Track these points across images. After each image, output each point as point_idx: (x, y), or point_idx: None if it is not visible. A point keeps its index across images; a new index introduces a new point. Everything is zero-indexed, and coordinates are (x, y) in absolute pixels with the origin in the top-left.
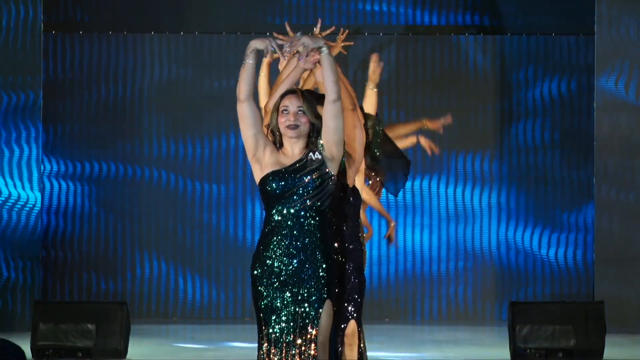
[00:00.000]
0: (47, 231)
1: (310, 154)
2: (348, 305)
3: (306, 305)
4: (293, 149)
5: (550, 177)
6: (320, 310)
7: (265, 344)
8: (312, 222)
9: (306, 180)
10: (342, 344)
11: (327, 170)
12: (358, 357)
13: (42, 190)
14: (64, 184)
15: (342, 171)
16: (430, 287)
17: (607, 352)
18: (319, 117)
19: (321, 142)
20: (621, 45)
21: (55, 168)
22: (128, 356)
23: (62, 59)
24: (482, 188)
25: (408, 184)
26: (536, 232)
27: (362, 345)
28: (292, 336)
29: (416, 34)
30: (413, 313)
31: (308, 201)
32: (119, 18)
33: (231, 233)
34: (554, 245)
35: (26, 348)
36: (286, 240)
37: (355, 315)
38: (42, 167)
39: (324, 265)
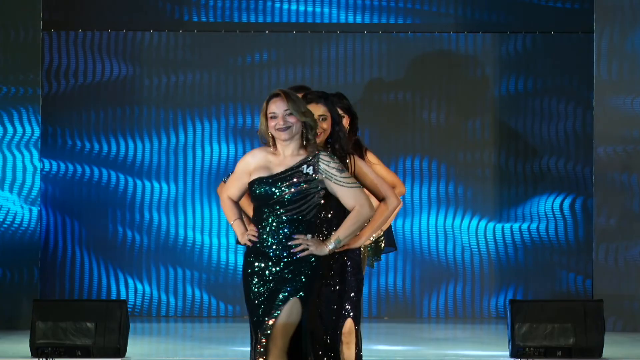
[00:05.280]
0: (46, 230)
1: (304, 166)
2: (345, 304)
3: (279, 297)
4: (284, 152)
5: (550, 173)
6: (283, 305)
7: (254, 335)
8: (297, 229)
9: (291, 191)
10: (340, 342)
11: (315, 186)
12: (355, 355)
13: (40, 190)
14: (62, 184)
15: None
16: (429, 285)
17: (606, 350)
18: (307, 115)
19: (323, 162)
20: (621, 44)
21: (54, 168)
22: (127, 354)
23: (60, 57)
24: (483, 185)
25: (415, 183)
26: (537, 229)
27: (359, 343)
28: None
29: (415, 32)
30: (412, 311)
31: (292, 210)
32: (118, 16)
33: (232, 231)
34: (553, 242)
35: (25, 346)
36: (272, 244)
37: (352, 313)
38: (39, 167)
39: (305, 269)
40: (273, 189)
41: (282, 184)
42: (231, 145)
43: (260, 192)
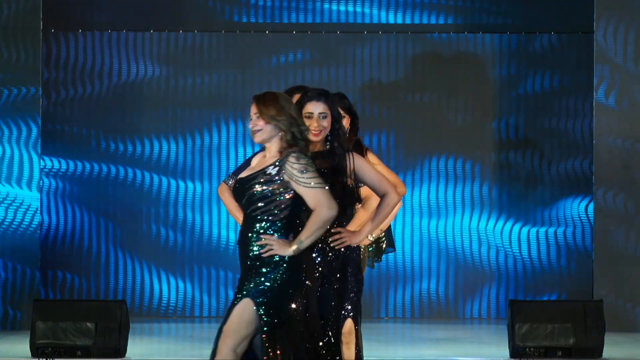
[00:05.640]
0: (47, 230)
1: (270, 167)
2: (345, 303)
3: (238, 295)
4: (268, 153)
5: (549, 175)
6: (237, 303)
7: None
8: (263, 229)
9: (254, 189)
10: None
11: (281, 187)
12: (355, 356)
13: (40, 189)
14: (62, 183)
15: (343, 170)
16: (429, 285)
17: (606, 350)
18: (277, 118)
19: (288, 163)
20: (620, 44)
21: (54, 167)
22: (127, 355)
23: (59, 57)
24: (482, 186)
25: (413, 184)
26: (536, 230)
27: (359, 343)
28: None
29: (415, 32)
30: (412, 311)
31: (257, 210)
32: (118, 16)
33: (232, 231)
34: (552, 243)
35: (25, 347)
36: (247, 244)
37: (352, 313)
38: (40, 165)
39: (273, 274)
40: (242, 189)
41: (248, 184)
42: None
43: (237, 190)
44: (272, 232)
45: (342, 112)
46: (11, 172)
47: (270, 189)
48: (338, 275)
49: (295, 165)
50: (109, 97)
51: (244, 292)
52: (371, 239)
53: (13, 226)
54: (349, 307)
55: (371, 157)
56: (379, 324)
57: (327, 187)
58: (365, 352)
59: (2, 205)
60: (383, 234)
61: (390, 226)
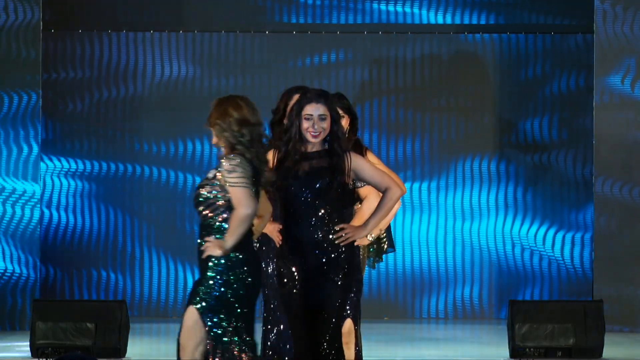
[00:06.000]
0: (47, 230)
1: (212, 170)
2: (344, 304)
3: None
4: None
5: (551, 175)
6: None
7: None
8: (207, 232)
9: (197, 192)
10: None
11: (219, 190)
12: (355, 356)
13: (41, 189)
14: (64, 182)
15: (341, 170)
16: (429, 285)
17: (606, 350)
18: (214, 123)
19: (221, 165)
20: (621, 43)
21: (55, 166)
22: (127, 355)
23: (62, 57)
24: (481, 187)
25: (408, 184)
26: (535, 230)
27: (359, 343)
28: None
29: (416, 33)
30: (412, 311)
31: (200, 214)
32: (118, 16)
33: None
34: (553, 243)
35: (25, 347)
36: (197, 248)
37: (351, 313)
38: (41, 165)
39: (203, 275)
40: (193, 193)
41: (199, 184)
42: None
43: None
44: (218, 235)
45: (341, 112)
46: (13, 171)
47: (211, 192)
48: (343, 272)
49: (225, 166)
50: (111, 97)
51: (189, 299)
52: (370, 238)
53: (18, 225)
54: (348, 307)
55: (371, 156)
56: (378, 323)
57: (251, 188)
58: (365, 352)
59: (4, 204)
60: (384, 234)
61: (390, 226)
